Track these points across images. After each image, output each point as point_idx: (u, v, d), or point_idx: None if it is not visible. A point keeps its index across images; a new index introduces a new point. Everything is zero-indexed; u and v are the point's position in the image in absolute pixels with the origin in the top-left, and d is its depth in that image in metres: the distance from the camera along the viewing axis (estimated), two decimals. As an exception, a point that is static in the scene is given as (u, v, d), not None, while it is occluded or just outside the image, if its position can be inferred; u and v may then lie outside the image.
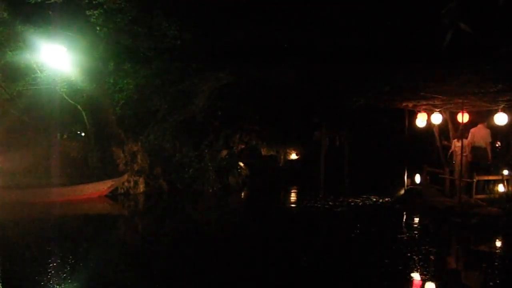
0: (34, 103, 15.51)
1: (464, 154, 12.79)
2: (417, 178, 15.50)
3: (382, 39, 11.60)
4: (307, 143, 23.53)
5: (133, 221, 13.00)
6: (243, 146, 21.95)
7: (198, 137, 19.10)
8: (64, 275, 6.80)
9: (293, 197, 17.81)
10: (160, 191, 16.74)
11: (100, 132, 16.04)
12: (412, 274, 7.23)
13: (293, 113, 21.15)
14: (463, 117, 12.74)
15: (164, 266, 7.61)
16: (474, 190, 12.38)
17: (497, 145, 15.86)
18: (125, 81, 15.96)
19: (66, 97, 14.82)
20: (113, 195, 15.38)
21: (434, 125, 14.09)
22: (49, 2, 11.89)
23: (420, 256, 8.19)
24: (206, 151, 18.70)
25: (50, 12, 12.65)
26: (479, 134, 12.90)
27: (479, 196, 12.57)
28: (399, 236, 10.38)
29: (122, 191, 15.94)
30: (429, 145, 15.73)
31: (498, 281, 6.82)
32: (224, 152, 20.08)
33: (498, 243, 10.08)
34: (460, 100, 12.31)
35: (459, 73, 10.65)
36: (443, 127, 14.23)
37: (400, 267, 7.58)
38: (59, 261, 7.59)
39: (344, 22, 12.39)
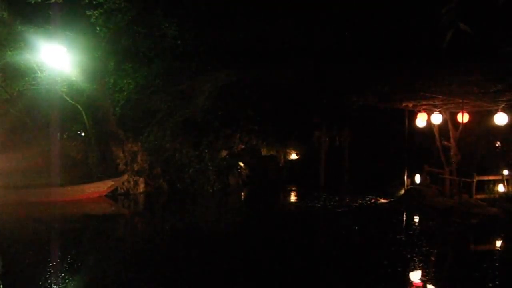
0: (34, 103, 15.51)
1: None
2: (417, 178, 15.49)
3: (382, 39, 11.61)
4: (307, 143, 23.49)
5: (133, 221, 13.00)
6: (243, 146, 21.91)
7: (198, 137, 19.08)
8: (64, 274, 6.80)
9: (293, 197, 17.80)
10: (160, 191, 16.74)
11: (100, 132, 16.05)
12: (413, 275, 7.23)
13: (293, 113, 21.13)
14: (463, 117, 12.75)
15: (164, 266, 7.61)
16: (474, 190, 12.40)
17: (497, 145, 15.88)
18: (125, 81, 15.96)
19: (66, 97, 14.82)
20: (113, 195, 15.38)
21: (434, 125, 14.09)
22: (49, 2, 11.87)
23: (420, 257, 8.19)
24: (206, 151, 18.68)
25: (50, 12, 12.65)
26: None
27: (479, 196, 12.60)
28: (399, 236, 10.39)
29: (122, 191, 15.93)
30: (429, 145, 15.72)
31: (498, 281, 6.82)
32: (224, 152, 20.07)
33: (498, 243, 10.09)
34: (460, 100, 12.32)
35: (459, 73, 10.66)
36: (443, 127, 14.23)
37: (400, 268, 7.58)
38: (59, 260, 7.59)
39: (344, 22, 12.40)
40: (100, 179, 15.30)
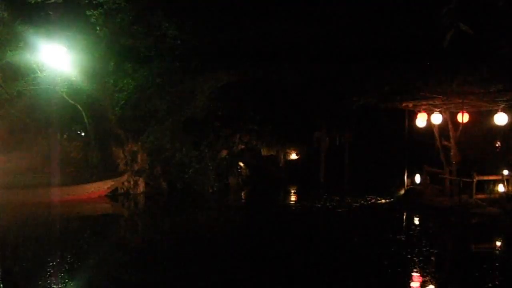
0: (34, 103, 15.50)
1: None
2: (417, 178, 15.49)
3: (382, 39, 11.61)
4: (307, 143, 23.51)
5: (133, 221, 13.00)
6: (243, 146, 21.92)
7: (198, 137, 19.08)
8: (64, 274, 6.81)
9: (293, 197, 17.80)
10: (160, 191, 16.73)
11: (100, 132, 16.04)
12: (413, 275, 7.22)
13: (293, 113, 21.14)
14: (463, 117, 12.74)
15: (164, 266, 7.61)
16: (474, 190, 12.39)
17: (497, 145, 15.87)
18: (125, 81, 15.94)
19: (66, 97, 14.82)
20: (113, 195, 15.38)
21: (434, 125, 14.09)
22: (49, 2, 11.88)
23: (420, 257, 8.19)
24: (206, 151, 18.68)
25: (50, 12, 12.65)
26: None
27: (479, 196, 12.59)
28: (399, 236, 10.38)
29: (122, 191, 15.93)
30: (429, 145, 15.72)
31: (498, 281, 6.82)
32: (224, 152, 20.06)
33: (498, 243, 10.08)
34: (460, 100, 12.31)
35: (459, 73, 10.66)
36: (443, 127, 14.22)
37: (400, 268, 7.58)
38: (58, 260, 7.60)
39: (344, 23, 12.39)
40: (100, 179, 15.30)
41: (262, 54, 14.26)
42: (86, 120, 15.91)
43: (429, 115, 13.85)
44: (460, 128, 13.32)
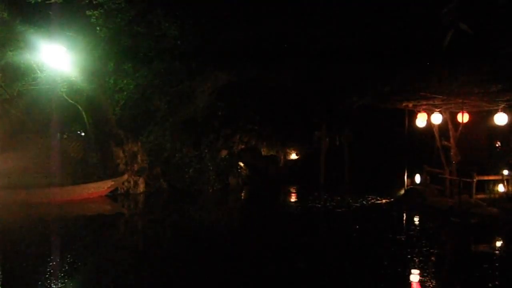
0: (34, 103, 15.51)
1: None
2: (417, 178, 15.49)
3: (382, 39, 11.62)
4: (307, 143, 23.52)
5: (133, 221, 13.00)
6: (243, 146, 21.93)
7: (198, 137, 19.09)
8: (64, 274, 6.81)
9: (293, 197, 17.80)
10: (160, 191, 16.74)
11: (100, 132, 16.04)
12: (413, 275, 7.22)
13: (293, 113, 21.15)
14: (463, 117, 12.74)
15: (164, 266, 7.61)
16: (474, 190, 12.39)
17: (497, 145, 15.88)
18: (125, 81, 15.95)
19: (66, 97, 14.82)
20: (113, 195, 15.38)
21: (434, 125, 14.09)
22: (49, 2, 11.89)
23: (420, 257, 8.19)
24: (206, 151, 18.69)
25: (50, 12, 12.66)
26: None
27: (479, 196, 12.59)
28: (399, 236, 10.39)
29: (122, 191, 15.93)
30: (429, 145, 15.72)
31: (498, 282, 6.82)
32: (224, 152, 20.06)
33: (498, 243, 10.09)
34: (460, 100, 12.31)
35: (459, 73, 10.66)
36: (443, 127, 14.22)
37: (400, 268, 7.58)
38: (58, 260, 7.59)
39: (344, 23, 12.41)
40: (100, 179, 15.30)
41: (262, 54, 14.28)
42: (86, 120, 15.91)
43: (429, 115, 13.85)
44: (460, 128, 13.32)
